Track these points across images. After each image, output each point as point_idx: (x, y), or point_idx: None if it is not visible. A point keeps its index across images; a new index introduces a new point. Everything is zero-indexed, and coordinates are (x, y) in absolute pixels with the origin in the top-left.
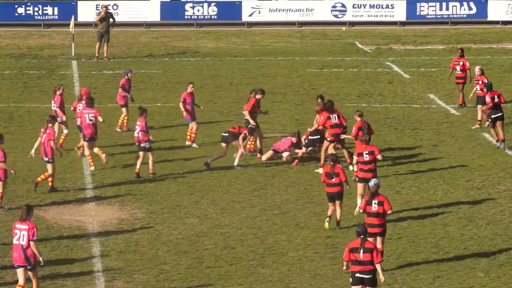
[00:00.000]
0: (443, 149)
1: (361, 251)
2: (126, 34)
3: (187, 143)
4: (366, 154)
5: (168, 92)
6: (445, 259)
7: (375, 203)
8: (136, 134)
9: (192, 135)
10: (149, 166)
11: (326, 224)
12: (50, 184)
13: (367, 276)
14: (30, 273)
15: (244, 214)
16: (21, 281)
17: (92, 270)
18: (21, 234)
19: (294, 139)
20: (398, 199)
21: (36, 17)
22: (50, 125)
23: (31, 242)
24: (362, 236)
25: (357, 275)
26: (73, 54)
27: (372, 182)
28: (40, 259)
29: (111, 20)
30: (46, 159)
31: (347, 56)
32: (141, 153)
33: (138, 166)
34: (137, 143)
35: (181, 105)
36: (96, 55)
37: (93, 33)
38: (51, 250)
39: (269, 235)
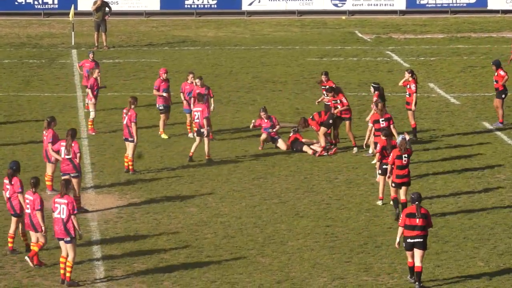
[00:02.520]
0: (443, 138)
1: (418, 216)
2: (126, 23)
3: (190, 135)
4: (382, 121)
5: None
6: (445, 248)
7: (405, 157)
8: (196, 120)
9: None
10: (205, 151)
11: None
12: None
13: (420, 240)
14: (67, 246)
15: (244, 203)
16: (64, 253)
17: (92, 258)
18: (61, 208)
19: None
20: None
21: (36, 6)
22: (48, 127)
23: (72, 216)
24: (416, 203)
25: (409, 240)
26: (73, 43)
27: (400, 137)
28: (80, 232)
29: (107, 9)
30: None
31: (347, 45)
32: (198, 138)
33: (192, 149)
34: (196, 128)
35: (181, 95)
36: (96, 44)
37: (92, 22)
38: (51, 238)
39: (268, 224)
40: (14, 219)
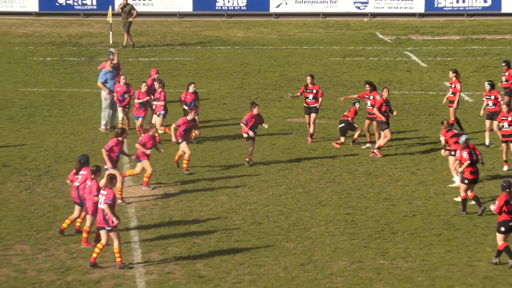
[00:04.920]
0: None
1: None
2: (161, 24)
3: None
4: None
5: (200, 79)
6: (456, 235)
7: (474, 154)
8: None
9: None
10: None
11: None
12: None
13: None
14: (111, 234)
15: (270, 192)
16: (103, 240)
17: (130, 242)
18: (102, 199)
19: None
20: (413, 179)
21: (75, 7)
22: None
23: (104, 205)
24: (508, 190)
25: (511, 223)
26: (111, 42)
27: (463, 137)
28: (113, 219)
29: (132, 11)
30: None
31: (368, 46)
32: (249, 142)
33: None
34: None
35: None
36: (131, 43)
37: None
38: (93, 223)
39: (293, 212)
40: (77, 207)
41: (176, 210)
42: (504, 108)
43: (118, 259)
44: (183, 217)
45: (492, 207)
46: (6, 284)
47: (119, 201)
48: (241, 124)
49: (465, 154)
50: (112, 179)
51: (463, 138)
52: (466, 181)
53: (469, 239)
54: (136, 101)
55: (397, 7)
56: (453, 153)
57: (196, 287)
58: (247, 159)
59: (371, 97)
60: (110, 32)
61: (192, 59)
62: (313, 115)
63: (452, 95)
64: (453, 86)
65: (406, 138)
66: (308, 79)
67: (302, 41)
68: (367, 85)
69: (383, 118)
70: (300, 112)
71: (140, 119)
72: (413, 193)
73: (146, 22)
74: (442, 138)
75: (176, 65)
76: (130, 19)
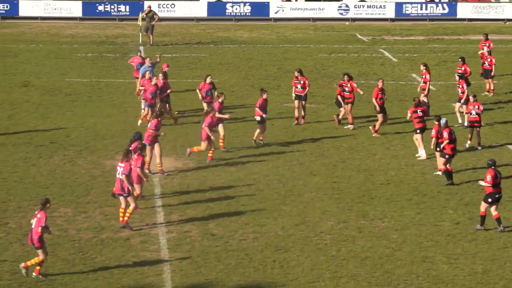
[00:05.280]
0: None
1: (500, 177)
2: (181, 27)
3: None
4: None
5: (213, 71)
6: (423, 199)
7: (453, 133)
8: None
9: None
10: (256, 134)
11: None
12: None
13: (501, 194)
14: (128, 199)
15: (271, 164)
16: (123, 205)
17: (154, 205)
18: (120, 170)
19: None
20: (387, 153)
21: (112, 13)
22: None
23: (123, 176)
24: (493, 167)
25: (497, 195)
26: (140, 41)
27: (444, 120)
28: (130, 187)
29: (154, 16)
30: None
31: (349, 44)
32: (261, 124)
33: (255, 135)
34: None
35: (198, 92)
36: (150, 43)
37: (155, 26)
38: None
39: (289, 181)
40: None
41: (193, 179)
42: (471, 98)
43: (126, 218)
44: (199, 185)
45: (483, 183)
46: (51, 241)
47: (160, 173)
48: (256, 108)
49: (445, 134)
50: (128, 153)
51: (443, 121)
52: (446, 156)
53: (435, 203)
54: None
55: (372, 14)
56: (439, 147)
57: (209, 243)
58: (260, 138)
59: (348, 85)
60: (140, 34)
61: (206, 55)
62: (303, 102)
63: (424, 83)
64: (423, 77)
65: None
66: (296, 73)
67: (296, 40)
68: (345, 76)
69: (378, 106)
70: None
71: (147, 108)
72: (388, 165)
73: (169, 25)
74: (408, 114)
75: (193, 60)
76: (153, 23)
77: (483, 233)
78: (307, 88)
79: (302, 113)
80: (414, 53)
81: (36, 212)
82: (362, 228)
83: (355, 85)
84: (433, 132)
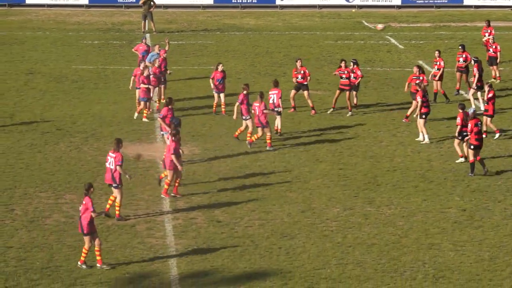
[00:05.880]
0: (430, 102)
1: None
2: (187, 14)
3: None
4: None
5: (219, 58)
6: (430, 186)
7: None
8: (271, 102)
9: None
10: (278, 125)
11: None
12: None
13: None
14: (115, 190)
15: (277, 151)
16: (118, 197)
17: (160, 193)
18: (111, 160)
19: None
20: (394, 140)
21: (118, 0)
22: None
23: (118, 167)
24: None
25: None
26: (146, 29)
27: (472, 110)
28: (127, 176)
29: (151, 3)
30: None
31: (356, 32)
32: (277, 116)
33: (275, 125)
34: (272, 108)
35: (211, 81)
36: (143, 30)
37: (161, 13)
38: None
39: (295, 167)
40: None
41: (199, 166)
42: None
43: (117, 212)
44: (205, 172)
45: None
46: (57, 228)
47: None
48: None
49: (458, 119)
50: (119, 143)
51: (471, 110)
52: (472, 147)
53: (441, 190)
54: (142, 85)
55: (379, 0)
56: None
57: (215, 230)
58: (279, 131)
59: (346, 72)
60: (152, 22)
61: (212, 42)
62: (305, 92)
63: (438, 70)
64: (437, 63)
65: (387, 106)
66: (298, 63)
67: (302, 28)
68: (342, 62)
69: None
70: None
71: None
72: (394, 151)
73: (176, 13)
74: (419, 100)
75: (199, 47)
76: (151, 10)
77: (489, 220)
78: (308, 77)
79: (310, 103)
80: (420, 40)
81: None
82: (368, 215)
83: (359, 72)
84: (458, 119)
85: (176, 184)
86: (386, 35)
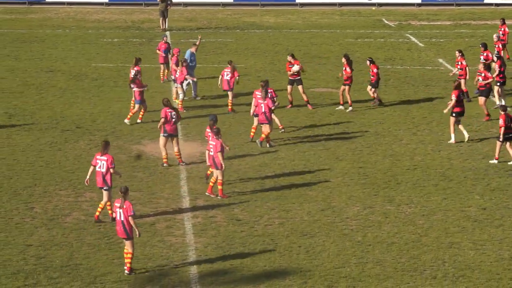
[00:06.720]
0: (449, 101)
1: None
2: (207, 12)
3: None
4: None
5: (239, 56)
6: (450, 185)
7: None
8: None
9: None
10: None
11: None
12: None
13: None
14: (104, 192)
15: (296, 149)
16: (104, 199)
17: (180, 191)
18: (101, 163)
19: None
20: (414, 139)
21: None
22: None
23: (110, 169)
24: (504, 111)
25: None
26: (166, 27)
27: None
28: (119, 176)
29: (169, 1)
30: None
31: (376, 30)
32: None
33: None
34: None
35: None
36: (162, 28)
37: (182, 11)
38: (149, 175)
39: (315, 166)
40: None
41: None
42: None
43: (97, 213)
44: (224, 170)
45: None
46: (76, 226)
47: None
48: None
49: (501, 121)
50: (106, 145)
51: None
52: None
53: (461, 189)
54: (136, 89)
55: None
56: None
57: (234, 228)
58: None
59: (347, 69)
60: (166, 19)
61: (232, 40)
62: (299, 87)
63: (461, 70)
64: (459, 63)
65: (407, 104)
66: (289, 58)
67: (322, 25)
68: (344, 58)
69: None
70: (320, 83)
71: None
72: (414, 150)
73: (195, 10)
74: (453, 98)
75: (219, 45)
76: (168, 8)
77: (510, 218)
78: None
79: (305, 98)
80: (440, 38)
81: (117, 204)
82: (388, 213)
83: (375, 70)
84: (501, 121)
85: (211, 184)
86: (406, 33)
